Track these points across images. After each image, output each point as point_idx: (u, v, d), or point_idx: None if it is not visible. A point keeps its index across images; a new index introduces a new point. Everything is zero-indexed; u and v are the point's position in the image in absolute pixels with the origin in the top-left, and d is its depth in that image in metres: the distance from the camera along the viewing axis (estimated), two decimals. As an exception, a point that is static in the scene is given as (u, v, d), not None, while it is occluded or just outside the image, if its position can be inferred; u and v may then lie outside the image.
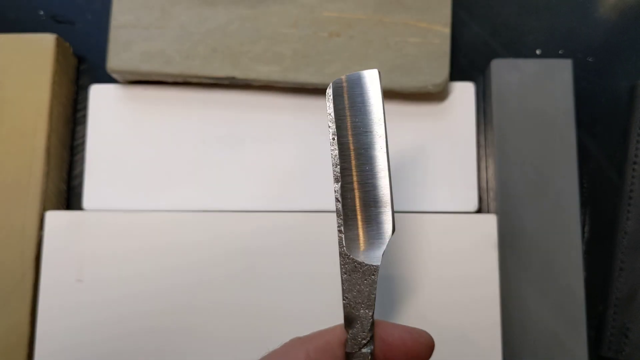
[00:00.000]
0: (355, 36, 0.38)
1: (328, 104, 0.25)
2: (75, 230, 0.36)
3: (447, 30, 0.38)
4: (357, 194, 0.24)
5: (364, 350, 0.24)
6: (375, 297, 0.24)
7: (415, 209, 0.38)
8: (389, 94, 0.39)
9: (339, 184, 0.24)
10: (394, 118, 0.39)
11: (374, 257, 0.24)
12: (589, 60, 0.41)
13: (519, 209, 0.37)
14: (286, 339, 0.35)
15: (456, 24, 0.42)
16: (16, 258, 0.36)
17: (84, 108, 0.41)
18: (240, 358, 0.35)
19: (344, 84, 0.25)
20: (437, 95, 0.39)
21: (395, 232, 0.25)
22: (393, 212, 0.24)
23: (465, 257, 0.35)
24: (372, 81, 0.25)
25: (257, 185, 0.38)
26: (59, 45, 0.39)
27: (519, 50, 0.42)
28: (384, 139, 0.24)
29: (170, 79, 0.39)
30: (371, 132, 0.24)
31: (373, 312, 0.24)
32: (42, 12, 0.43)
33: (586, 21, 0.42)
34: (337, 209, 0.24)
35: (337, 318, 0.35)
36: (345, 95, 0.25)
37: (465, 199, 0.38)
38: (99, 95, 0.40)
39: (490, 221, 0.36)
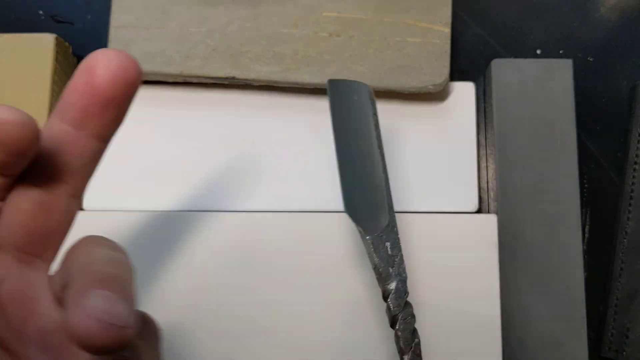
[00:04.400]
0: (355, 36, 0.38)
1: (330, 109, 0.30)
2: (75, 230, 0.36)
3: (447, 30, 0.38)
4: (354, 176, 0.30)
5: (405, 312, 0.29)
6: (402, 255, 0.29)
7: (415, 209, 0.38)
8: (389, 94, 0.39)
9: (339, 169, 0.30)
10: (394, 118, 0.39)
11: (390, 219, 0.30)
12: (589, 60, 0.41)
13: (519, 209, 0.37)
14: (286, 340, 0.35)
15: (456, 24, 0.41)
16: (16, 258, 0.36)
17: (84, 108, 0.41)
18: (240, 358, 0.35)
19: (341, 85, 0.31)
20: (437, 95, 0.39)
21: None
22: (389, 192, 0.30)
23: (465, 257, 0.35)
24: (364, 91, 0.32)
25: (257, 185, 0.38)
26: (58, 45, 0.39)
27: (519, 50, 0.42)
28: (378, 132, 0.30)
29: (170, 79, 0.39)
30: (365, 125, 0.31)
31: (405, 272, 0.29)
32: (41, 12, 0.43)
33: (586, 21, 0.42)
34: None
35: (338, 316, 0.35)
36: (341, 101, 0.30)
37: (465, 199, 0.38)
38: (99, 95, 0.40)
39: (490, 221, 0.36)
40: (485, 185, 0.39)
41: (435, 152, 0.39)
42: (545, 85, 0.38)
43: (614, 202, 0.39)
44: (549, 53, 0.41)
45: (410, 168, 0.38)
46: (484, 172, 0.39)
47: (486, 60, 0.41)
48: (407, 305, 0.29)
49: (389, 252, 0.29)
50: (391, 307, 0.29)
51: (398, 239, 0.29)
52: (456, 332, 0.35)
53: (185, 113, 0.39)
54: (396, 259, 0.29)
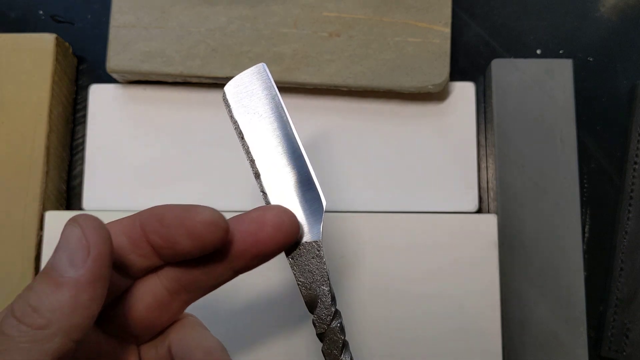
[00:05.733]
0: (355, 36, 0.38)
1: (226, 108, 0.25)
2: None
3: (447, 30, 0.38)
4: (279, 182, 0.25)
5: (333, 325, 0.24)
6: (327, 272, 0.24)
7: (415, 209, 0.38)
8: (389, 94, 0.39)
9: (260, 178, 0.25)
10: (394, 118, 0.39)
11: (314, 234, 0.24)
12: (589, 60, 0.41)
13: (519, 209, 0.37)
14: (285, 339, 0.35)
15: (456, 24, 0.41)
16: (16, 258, 0.36)
17: (84, 108, 0.41)
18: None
19: (237, 86, 0.26)
20: (437, 95, 0.39)
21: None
22: (317, 185, 0.25)
23: (465, 257, 0.35)
24: (260, 75, 0.26)
25: (257, 185, 0.38)
26: (58, 45, 0.39)
27: (519, 50, 0.42)
28: (289, 122, 0.25)
29: (170, 79, 0.39)
30: (274, 119, 0.25)
31: (330, 287, 0.24)
32: (41, 12, 0.43)
33: (586, 21, 0.42)
34: (266, 202, 0.25)
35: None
36: (241, 95, 0.26)
37: (465, 199, 0.38)
38: (99, 95, 0.40)
39: (490, 221, 0.36)
40: (485, 185, 0.39)
41: (435, 152, 0.39)
42: (545, 85, 0.38)
43: (614, 202, 0.39)
44: (549, 53, 0.41)
45: (410, 168, 0.38)
46: (484, 172, 0.39)
47: (486, 60, 0.41)
48: (336, 315, 0.25)
49: (317, 252, 0.24)
50: (316, 325, 0.24)
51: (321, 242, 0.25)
52: (456, 331, 0.35)
53: (185, 113, 0.39)
54: (322, 260, 0.24)
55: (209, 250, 0.21)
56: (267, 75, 0.26)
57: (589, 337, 0.36)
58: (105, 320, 0.22)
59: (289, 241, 0.22)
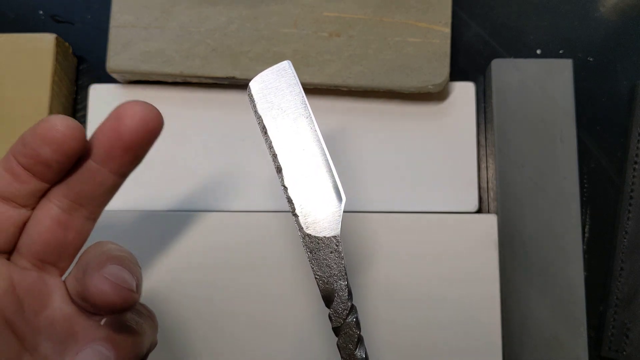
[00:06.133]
0: (355, 36, 0.38)
1: (251, 103, 0.26)
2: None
3: (447, 30, 0.38)
4: (300, 177, 0.25)
5: (348, 319, 0.25)
6: (345, 267, 0.25)
7: (415, 209, 0.38)
8: (389, 94, 0.39)
9: (282, 172, 0.25)
10: (394, 118, 0.39)
11: (333, 229, 0.25)
12: (589, 60, 0.41)
13: (519, 209, 0.37)
14: (287, 340, 0.35)
15: (456, 24, 0.42)
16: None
17: (84, 108, 0.41)
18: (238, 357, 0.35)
19: (262, 82, 0.26)
20: (437, 95, 0.39)
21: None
22: (337, 181, 0.25)
23: (465, 257, 0.35)
24: (285, 72, 0.26)
25: (257, 185, 0.38)
26: (58, 45, 0.39)
27: (519, 50, 0.42)
28: (311, 119, 0.26)
29: (170, 79, 0.39)
30: (297, 115, 0.26)
31: (347, 282, 0.25)
32: (41, 12, 0.43)
33: (586, 21, 0.42)
34: (286, 196, 0.25)
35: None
36: (266, 91, 0.26)
37: (465, 199, 0.38)
38: (99, 95, 0.40)
39: (490, 221, 0.36)
40: (485, 185, 0.39)
41: (435, 152, 0.39)
42: (545, 85, 0.38)
43: (614, 202, 0.39)
44: (549, 53, 0.41)
45: (410, 168, 0.38)
46: (484, 172, 0.39)
47: (486, 60, 0.41)
48: (352, 310, 0.25)
49: (336, 247, 0.25)
50: (332, 319, 0.25)
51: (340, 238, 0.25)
52: (456, 331, 0.35)
53: (185, 113, 0.39)
54: (340, 255, 0.25)
55: (71, 153, 0.21)
56: (292, 72, 0.26)
57: (589, 337, 0.36)
58: (16, 253, 0.23)
59: (150, 129, 0.22)
